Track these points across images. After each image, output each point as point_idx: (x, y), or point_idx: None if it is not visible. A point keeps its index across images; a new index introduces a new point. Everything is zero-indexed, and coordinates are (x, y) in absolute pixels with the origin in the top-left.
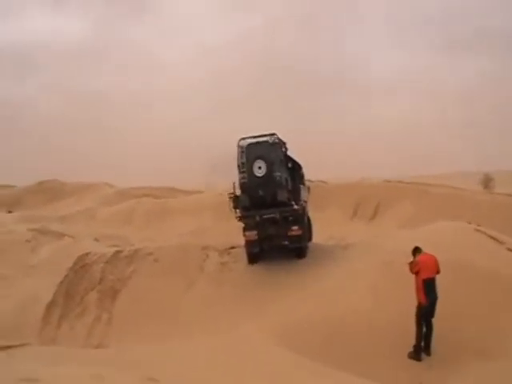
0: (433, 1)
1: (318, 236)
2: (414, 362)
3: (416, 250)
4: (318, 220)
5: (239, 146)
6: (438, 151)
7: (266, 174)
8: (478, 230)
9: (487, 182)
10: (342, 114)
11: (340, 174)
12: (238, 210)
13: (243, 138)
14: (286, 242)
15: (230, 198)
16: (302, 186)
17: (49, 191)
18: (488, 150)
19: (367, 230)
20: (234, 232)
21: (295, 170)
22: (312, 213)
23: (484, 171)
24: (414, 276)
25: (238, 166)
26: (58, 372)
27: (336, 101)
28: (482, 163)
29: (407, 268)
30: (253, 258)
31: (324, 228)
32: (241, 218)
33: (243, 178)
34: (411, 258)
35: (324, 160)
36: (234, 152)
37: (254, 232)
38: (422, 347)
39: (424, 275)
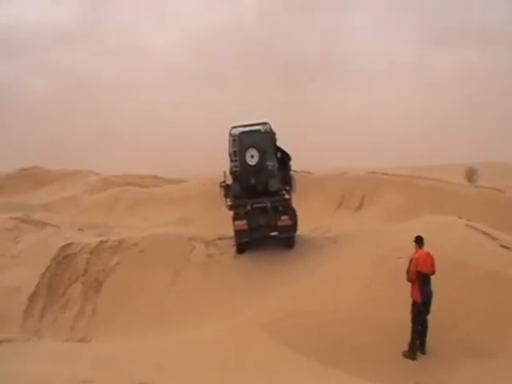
0: None
1: (303, 227)
2: (409, 361)
3: (419, 240)
4: (303, 211)
5: (231, 135)
6: (422, 143)
7: (258, 162)
8: (469, 226)
9: (471, 174)
10: (325, 103)
11: (323, 164)
12: (228, 199)
13: (235, 127)
14: (276, 233)
15: (221, 186)
16: (290, 176)
17: (31, 178)
18: (472, 142)
19: (353, 222)
20: (220, 222)
21: (284, 160)
22: (296, 203)
23: (468, 163)
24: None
25: (230, 154)
26: (45, 374)
27: (321, 89)
28: (465, 155)
29: (405, 265)
30: (241, 248)
31: (309, 219)
32: (231, 207)
33: (235, 166)
34: (403, 253)
35: (308, 150)
36: (222, 140)
37: (244, 221)
38: (416, 346)
39: (420, 268)
